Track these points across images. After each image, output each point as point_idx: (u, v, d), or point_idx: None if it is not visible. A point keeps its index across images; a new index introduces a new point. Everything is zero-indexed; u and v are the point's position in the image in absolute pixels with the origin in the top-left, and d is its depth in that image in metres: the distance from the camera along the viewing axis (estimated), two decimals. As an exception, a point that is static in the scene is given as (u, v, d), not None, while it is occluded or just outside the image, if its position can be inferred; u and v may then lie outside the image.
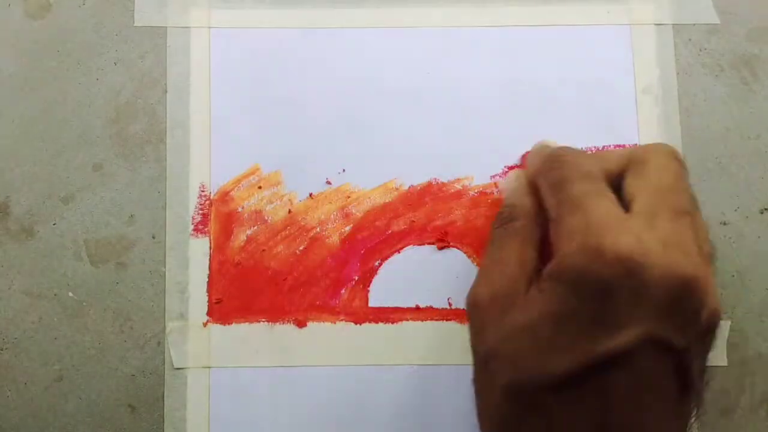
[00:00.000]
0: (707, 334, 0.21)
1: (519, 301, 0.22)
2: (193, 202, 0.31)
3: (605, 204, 0.21)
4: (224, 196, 0.31)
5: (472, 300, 0.24)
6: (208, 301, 0.31)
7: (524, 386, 0.21)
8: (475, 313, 0.23)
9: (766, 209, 0.31)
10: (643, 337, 0.20)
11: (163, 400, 0.30)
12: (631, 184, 0.22)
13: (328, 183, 0.31)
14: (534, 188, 0.25)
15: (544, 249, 0.24)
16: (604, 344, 0.20)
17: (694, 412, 0.22)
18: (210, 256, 0.31)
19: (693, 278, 0.20)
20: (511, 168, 0.31)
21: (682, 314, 0.20)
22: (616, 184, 0.23)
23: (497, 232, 0.25)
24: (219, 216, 0.31)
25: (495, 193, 0.31)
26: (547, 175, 0.24)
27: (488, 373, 0.22)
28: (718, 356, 0.30)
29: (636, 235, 0.20)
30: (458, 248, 0.31)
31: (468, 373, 0.30)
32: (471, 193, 0.31)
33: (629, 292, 0.20)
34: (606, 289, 0.20)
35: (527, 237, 0.24)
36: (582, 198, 0.22)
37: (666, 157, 0.23)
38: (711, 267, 0.22)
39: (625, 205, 0.22)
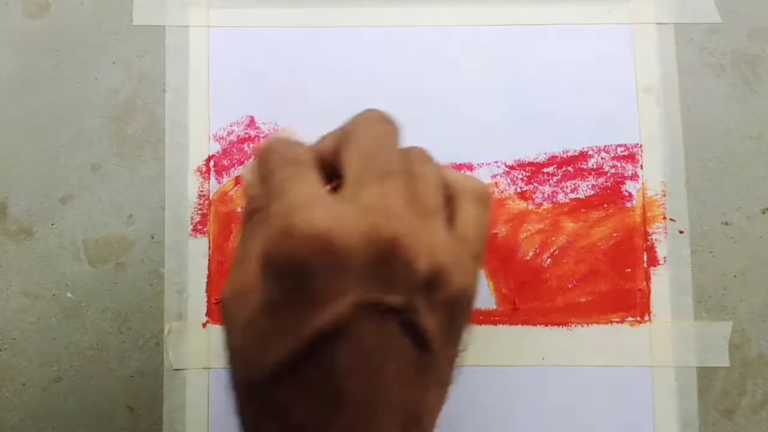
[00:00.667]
0: (434, 287, 0.21)
1: (254, 300, 0.21)
2: (192, 202, 0.31)
3: (304, 186, 0.21)
4: (223, 196, 0.31)
5: (222, 297, 0.23)
6: (207, 302, 0.31)
7: (255, 383, 0.21)
8: (224, 311, 0.23)
9: (767, 209, 0.31)
10: (353, 305, 0.19)
11: (162, 401, 0.30)
12: (342, 158, 0.22)
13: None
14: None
15: None
16: (313, 322, 0.19)
17: (453, 369, 0.22)
18: (209, 256, 0.31)
19: (393, 238, 0.20)
20: (510, 168, 0.31)
21: (389, 274, 0.20)
22: (333, 166, 0.23)
23: (246, 226, 0.24)
24: (218, 216, 0.31)
25: (495, 194, 0.31)
26: (260, 168, 0.23)
27: (231, 376, 0.22)
28: (719, 357, 0.30)
29: (330, 208, 0.20)
30: (458, 248, 0.31)
31: (468, 374, 0.30)
32: (471, 193, 0.31)
33: (328, 265, 0.19)
34: (303, 267, 0.20)
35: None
36: (284, 183, 0.21)
37: (370, 122, 0.23)
38: (435, 218, 0.21)
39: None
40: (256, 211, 0.23)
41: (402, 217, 0.20)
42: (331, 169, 0.23)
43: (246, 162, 0.31)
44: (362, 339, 0.20)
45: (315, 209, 0.20)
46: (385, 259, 0.20)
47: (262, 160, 0.23)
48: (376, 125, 0.23)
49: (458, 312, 0.21)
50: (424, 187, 0.22)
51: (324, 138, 0.24)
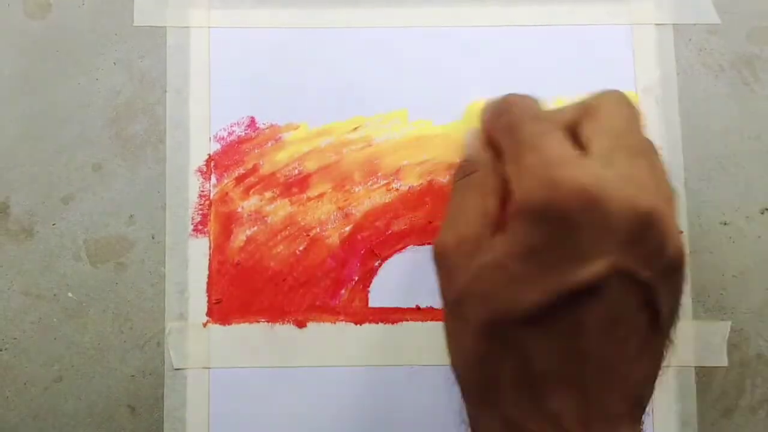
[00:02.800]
0: (673, 272, 0.21)
1: (485, 244, 0.22)
2: (192, 202, 0.31)
3: (560, 142, 0.22)
4: (224, 196, 0.31)
5: (439, 248, 0.24)
6: (207, 302, 0.31)
7: (497, 323, 0.21)
8: (443, 260, 0.23)
9: (766, 209, 0.31)
10: (611, 269, 0.20)
11: (163, 401, 0.30)
12: (586, 130, 0.22)
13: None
14: (491, 141, 0.25)
15: (507, 200, 0.24)
16: (575, 276, 0.20)
17: (665, 358, 0.22)
18: (210, 256, 0.31)
19: (652, 211, 0.20)
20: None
21: (645, 247, 0.20)
22: (572, 135, 0.23)
23: (457, 184, 0.25)
24: (219, 216, 0.31)
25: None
26: (499, 121, 0.24)
27: (460, 316, 0.22)
28: (718, 357, 0.30)
29: (593, 170, 0.20)
30: (458, 248, 0.31)
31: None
32: (471, 193, 0.31)
33: (591, 224, 0.20)
34: (568, 220, 0.20)
35: (487, 187, 0.24)
36: (536, 137, 0.22)
37: (617, 102, 0.23)
38: (671, 208, 0.22)
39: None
40: (472, 171, 0.24)
41: (654, 195, 0.21)
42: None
43: (241, 161, 0.31)
44: (612, 305, 0.20)
45: (579, 166, 0.20)
46: (642, 232, 0.20)
47: (506, 112, 0.23)
48: (624, 106, 0.23)
49: (679, 302, 0.22)
50: (662, 173, 0.22)
51: (560, 108, 0.24)
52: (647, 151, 0.23)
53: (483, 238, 0.22)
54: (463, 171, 0.25)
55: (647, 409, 0.22)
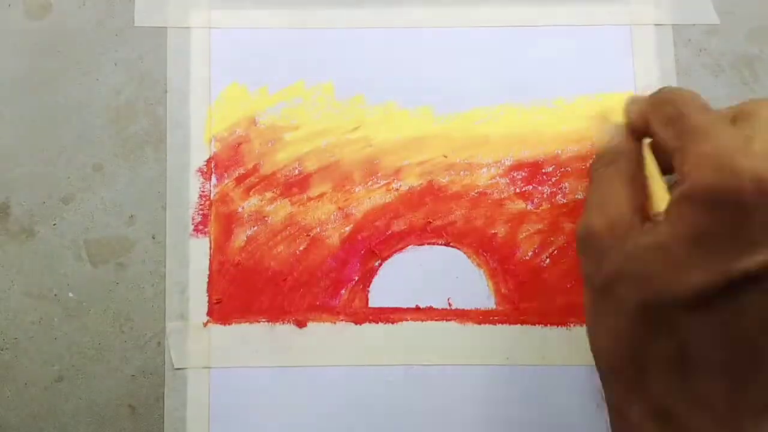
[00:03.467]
0: None
1: (636, 229, 0.23)
2: (193, 202, 0.31)
3: (732, 131, 0.22)
4: (224, 196, 0.31)
5: (587, 230, 0.24)
6: (208, 302, 0.31)
7: (655, 305, 0.21)
8: (591, 241, 0.24)
9: (766, 209, 0.31)
10: None
11: (163, 401, 0.30)
12: (746, 129, 0.22)
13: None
14: (637, 132, 0.25)
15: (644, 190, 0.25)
16: (741, 262, 0.20)
17: None
18: (210, 256, 0.31)
19: None
20: (509, 168, 0.31)
21: None
22: None
23: (599, 172, 0.25)
24: (219, 216, 0.31)
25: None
26: (661, 111, 0.24)
27: (612, 299, 0.23)
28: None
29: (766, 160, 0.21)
30: (458, 248, 0.31)
31: (468, 373, 0.30)
32: (471, 193, 0.31)
33: (765, 211, 0.20)
34: (742, 206, 0.20)
35: (632, 176, 0.25)
36: (707, 126, 0.22)
37: None
38: None
39: None
40: (615, 160, 0.25)
41: None
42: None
43: (241, 161, 0.31)
44: None
45: (757, 156, 0.21)
46: None
47: (671, 102, 0.24)
48: None
49: None
50: None
51: (722, 110, 0.24)
52: None
53: (633, 224, 0.23)
54: (606, 160, 0.26)
55: None
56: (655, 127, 0.24)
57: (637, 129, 0.25)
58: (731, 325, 0.21)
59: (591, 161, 0.27)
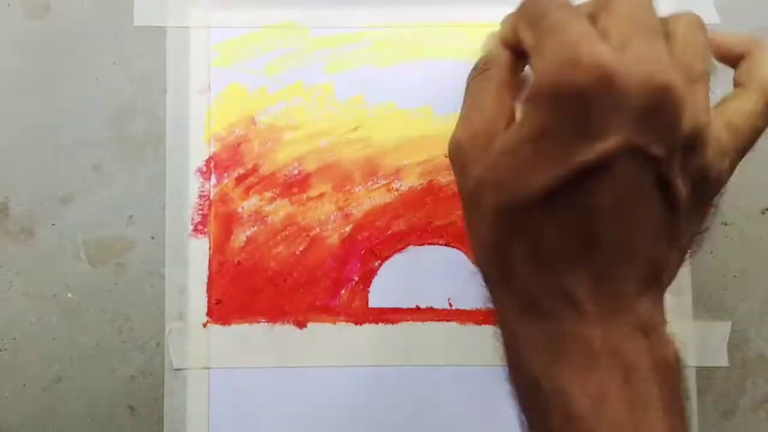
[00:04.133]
0: (687, 151, 0.21)
1: (499, 137, 0.23)
2: (192, 202, 0.31)
3: (581, 25, 0.22)
4: (224, 196, 0.31)
5: (454, 144, 0.24)
6: (207, 302, 0.31)
7: (510, 207, 0.22)
8: (458, 154, 0.24)
9: (766, 209, 0.31)
10: (621, 145, 0.20)
11: (163, 401, 0.30)
12: (601, 20, 0.22)
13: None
14: (510, 43, 0.25)
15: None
16: (584, 153, 0.20)
17: (691, 241, 0.23)
18: (209, 256, 0.31)
19: (667, 87, 0.20)
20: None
21: (658, 122, 0.20)
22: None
23: (473, 82, 0.25)
24: (218, 216, 0.31)
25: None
26: (526, 14, 0.24)
27: (476, 206, 0.23)
28: (719, 357, 0.30)
29: (611, 48, 0.21)
30: (458, 248, 0.31)
31: (468, 373, 0.30)
32: (471, 193, 0.31)
33: (605, 100, 0.20)
34: (582, 97, 0.20)
35: (502, 83, 0.24)
36: (559, 22, 0.22)
37: None
38: (700, 85, 0.22)
39: None
40: (488, 68, 0.25)
41: (672, 73, 0.21)
42: None
43: (241, 161, 0.31)
44: (623, 181, 0.20)
45: (598, 45, 0.21)
46: (656, 108, 0.20)
47: (531, 6, 0.23)
48: None
49: (706, 186, 0.22)
50: (691, 50, 0.23)
51: (580, 4, 0.24)
52: (667, 29, 0.23)
53: (497, 132, 0.23)
54: (478, 69, 0.25)
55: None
56: (520, 32, 0.24)
57: (508, 37, 0.25)
58: (584, 217, 0.21)
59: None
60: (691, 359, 0.30)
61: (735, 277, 0.31)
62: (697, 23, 0.23)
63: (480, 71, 0.25)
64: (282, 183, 0.31)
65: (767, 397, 0.31)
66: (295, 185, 0.31)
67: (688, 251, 0.23)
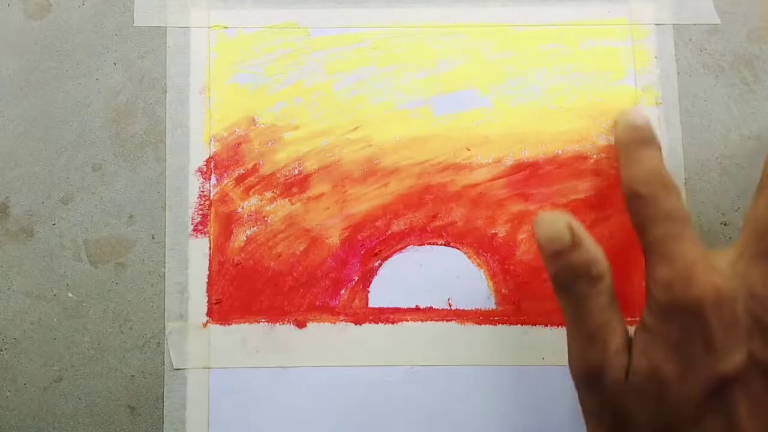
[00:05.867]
0: None
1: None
2: (192, 202, 0.31)
3: (689, 244, 0.24)
4: (224, 196, 0.31)
5: (581, 373, 0.26)
6: (207, 302, 0.31)
7: (670, 425, 0.23)
8: (586, 383, 0.26)
9: (766, 209, 0.31)
10: (748, 357, 0.22)
11: (163, 401, 0.30)
12: (747, 222, 0.25)
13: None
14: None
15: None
16: (719, 366, 0.22)
17: None
18: (210, 256, 0.31)
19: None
20: (510, 168, 0.31)
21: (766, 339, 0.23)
22: None
23: (587, 295, 0.25)
24: (219, 216, 0.31)
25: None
26: (634, 218, 0.26)
27: (622, 420, 0.24)
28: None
29: (720, 269, 0.23)
30: (458, 248, 0.31)
31: (468, 374, 0.30)
32: (471, 193, 0.31)
33: (723, 318, 0.23)
34: (700, 313, 0.23)
35: (613, 296, 0.26)
36: (666, 240, 0.24)
37: None
38: None
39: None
40: (600, 275, 0.25)
41: None
42: None
43: (241, 161, 0.31)
44: (755, 390, 0.23)
45: (710, 269, 0.23)
46: (766, 325, 0.23)
47: (634, 207, 0.25)
48: None
49: None
50: None
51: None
52: None
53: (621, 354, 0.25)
54: (590, 280, 0.25)
55: None
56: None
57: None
58: (725, 426, 0.23)
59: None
60: (690, 359, 0.30)
61: (735, 277, 0.31)
62: None
63: (591, 283, 0.25)
64: (282, 183, 0.31)
65: (767, 397, 0.31)
66: (295, 185, 0.31)
67: None
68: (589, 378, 0.25)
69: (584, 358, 0.25)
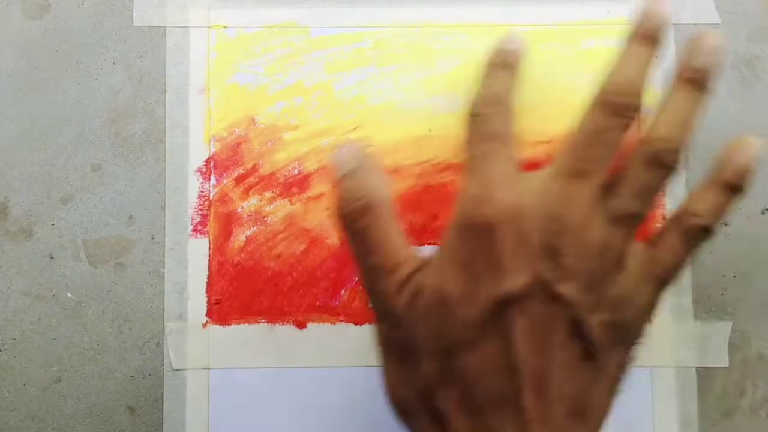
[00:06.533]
0: (604, 284, 0.22)
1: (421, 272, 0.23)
2: (192, 202, 0.31)
3: (498, 165, 0.23)
4: (223, 196, 0.31)
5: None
6: (207, 302, 0.31)
7: (441, 349, 0.22)
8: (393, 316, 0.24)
9: (766, 209, 0.31)
10: (532, 279, 0.21)
11: (163, 401, 0.30)
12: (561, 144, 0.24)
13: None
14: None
15: None
16: (501, 286, 0.21)
17: (614, 375, 0.23)
18: (209, 256, 0.31)
19: (565, 230, 0.22)
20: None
21: (561, 264, 0.21)
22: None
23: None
24: (218, 216, 0.31)
25: None
26: (468, 131, 0.25)
27: (404, 348, 0.23)
28: (719, 357, 0.30)
29: (520, 188, 0.22)
30: (458, 249, 0.31)
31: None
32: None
33: (513, 237, 0.21)
34: (491, 231, 0.22)
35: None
36: (476, 161, 0.24)
37: (595, 113, 0.24)
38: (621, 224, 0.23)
39: None
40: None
41: (571, 209, 0.22)
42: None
43: (241, 161, 0.31)
44: (535, 316, 0.21)
45: (512, 187, 0.22)
46: (558, 248, 0.21)
47: (467, 124, 0.25)
48: (600, 118, 0.23)
49: (624, 319, 0.22)
50: (617, 206, 0.23)
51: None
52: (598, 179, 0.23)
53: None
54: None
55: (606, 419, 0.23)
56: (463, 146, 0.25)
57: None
58: (503, 350, 0.21)
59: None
60: (691, 359, 0.30)
61: (735, 277, 0.31)
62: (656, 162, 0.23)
63: (367, 211, 0.24)
64: (282, 183, 0.31)
65: (767, 397, 0.31)
66: (295, 185, 0.31)
67: (617, 385, 0.23)
68: (381, 309, 0.23)
69: (374, 291, 0.23)
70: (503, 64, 0.26)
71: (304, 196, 0.31)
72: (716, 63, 0.24)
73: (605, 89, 0.23)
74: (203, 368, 0.30)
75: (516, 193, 0.22)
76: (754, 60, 0.32)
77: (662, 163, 0.23)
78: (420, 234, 0.31)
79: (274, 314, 0.31)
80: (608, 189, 0.23)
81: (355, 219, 0.23)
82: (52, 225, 0.31)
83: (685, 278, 0.31)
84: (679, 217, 0.24)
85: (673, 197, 0.31)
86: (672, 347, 0.30)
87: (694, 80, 0.23)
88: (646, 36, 0.24)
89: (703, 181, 0.24)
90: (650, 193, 0.23)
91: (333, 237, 0.31)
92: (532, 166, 0.31)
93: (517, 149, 0.24)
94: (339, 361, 0.30)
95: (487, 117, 0.24)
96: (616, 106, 0.23)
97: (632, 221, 0.23)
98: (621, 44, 0.24)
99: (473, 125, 0.24)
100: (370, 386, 0.30)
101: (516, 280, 0.21)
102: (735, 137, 0.24)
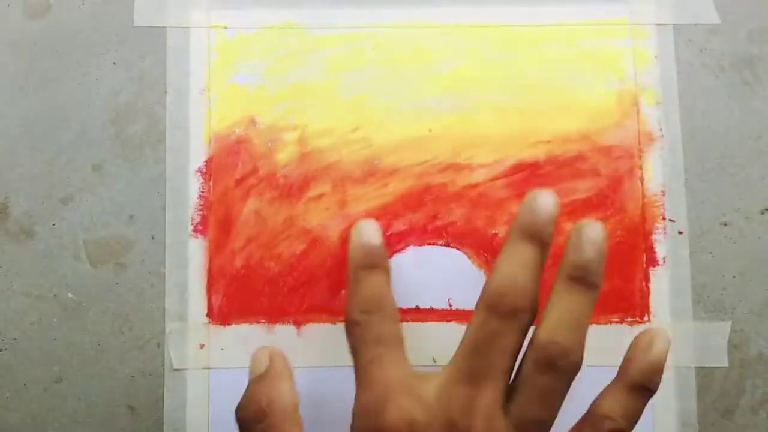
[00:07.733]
0: None
1: None
2: (192, 202, 0.31)
3: (390, 370, 0.24)
4: (224, 196, 0.31)
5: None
6: (207, 302, 0.31)
7: None
8: None
9: (766, 209, 0.31)
10: None
11: (163, 402, 0.30)
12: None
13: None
14: None
15: None
16: None
17: None
18: (209, 256, 0.31)
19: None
20: (509, 169, 0.31)
21: None
22: None
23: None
24: (218, 217, 0.31)
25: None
26: (348, 340, 0.26)
27: None
28: (718, 357, 0.30)
29: (414, 397, 0.22)
30: (458, 248, 0.31)
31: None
32: (471, 193, 0.31)
33: None
34: None
35: None
36: (369, 366, 0.24)
37: (491, 318, 0.23)
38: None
39: None
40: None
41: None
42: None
43: (241, 161, 0.31)
44: None
45: (408, 395, 0.22)
46: None
47: (349, 333, 0.25)
48: (491, 322, 0.23)
49: None
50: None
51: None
52: (499, 378, 0.23)
53: None
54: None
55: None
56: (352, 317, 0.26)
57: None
58: None
59: None
60: (690, 359, 0.30)
61: (734, 277, 0.31)
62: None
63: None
64: (282, 183, 0.31)
65: (767, 397, 0.31)
66: (295, 186, 0.31)
67: None
68: None
69: None
70: (371, 265, 0.26)
71: (305, 196, 0.31)
72: (598, 257, 0.23)
73: (490, 291, 0.23)
74: (203, 368, 0.30)
75: (412, 400, 0.22)
76: (754, 60, 0.32)
77: (557, 368, 0.22)
78: (420, 234, 0.31)
79: (274, 314, 0.31)
80: (511, 391, 0.22)
81: (250, 424, 0.24)
82: (53, 225, 0.31)
83: (685, 279, 0.31)
84: (590, 418, 0.23)
85: (674, 197, 0.31)
86: (671, 347, 0.30)
87: (579, 278, 0.23)
88: (531, 234, 0.23)
89: (613, 380, 0.24)
90: (552, 396, 0.22)
91: (333, 237, 0.31)
92: (532, 166, 0.31)
93: (404, 351, 0.24)
94: (339, 361, 0.30)
95: (369, 323, 0.24)
96: (504, 310, 0.22)
97: (539, 428, 0.22)
98: (506, 242, 0.24)
99: (356, 333, 0.25)
100: (370, 386, 0.30)
101: None
102: (643, 331, 0.24)
